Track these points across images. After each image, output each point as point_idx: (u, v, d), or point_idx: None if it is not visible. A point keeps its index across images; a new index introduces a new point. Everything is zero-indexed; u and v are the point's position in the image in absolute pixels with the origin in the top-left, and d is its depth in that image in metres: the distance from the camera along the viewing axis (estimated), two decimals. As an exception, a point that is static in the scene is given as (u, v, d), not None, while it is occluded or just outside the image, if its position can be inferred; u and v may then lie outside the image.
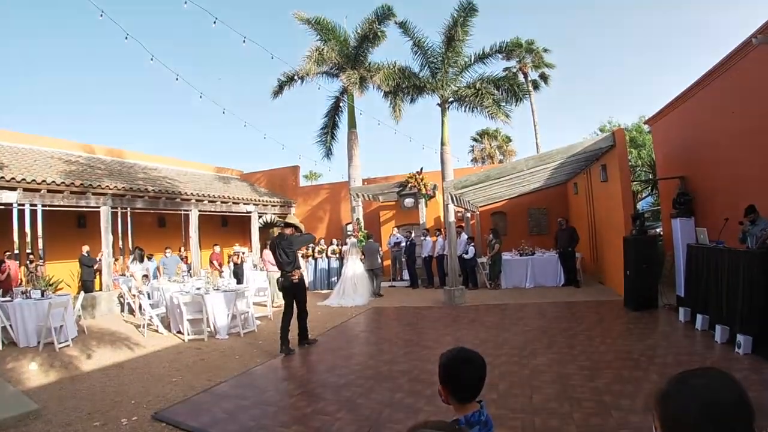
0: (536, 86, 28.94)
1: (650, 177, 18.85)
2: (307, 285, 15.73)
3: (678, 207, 9.95)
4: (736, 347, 6.03)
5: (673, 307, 9.08)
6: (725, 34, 63.31)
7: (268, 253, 13.21)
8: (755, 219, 7.12)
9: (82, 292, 10.98)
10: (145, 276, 12.73)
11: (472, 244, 14.54)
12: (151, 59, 12.37)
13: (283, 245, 8.02)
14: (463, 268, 14.18)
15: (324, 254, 16.43)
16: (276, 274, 12.92)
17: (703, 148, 10.11)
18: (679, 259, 9.14)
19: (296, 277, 8.03)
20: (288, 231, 8.22)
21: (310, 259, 16.43)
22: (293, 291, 8.06)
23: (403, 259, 16.28)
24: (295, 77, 18.94)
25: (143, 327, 9.66)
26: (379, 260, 14.87)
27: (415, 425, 1.41)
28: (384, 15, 17.37)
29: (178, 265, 13.85)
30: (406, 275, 16.50)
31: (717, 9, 64.46)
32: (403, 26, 17.43)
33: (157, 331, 9.67)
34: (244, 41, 13.33)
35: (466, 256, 14.14)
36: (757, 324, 5.87)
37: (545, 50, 28.14)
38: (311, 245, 15.48)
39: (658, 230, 15.13)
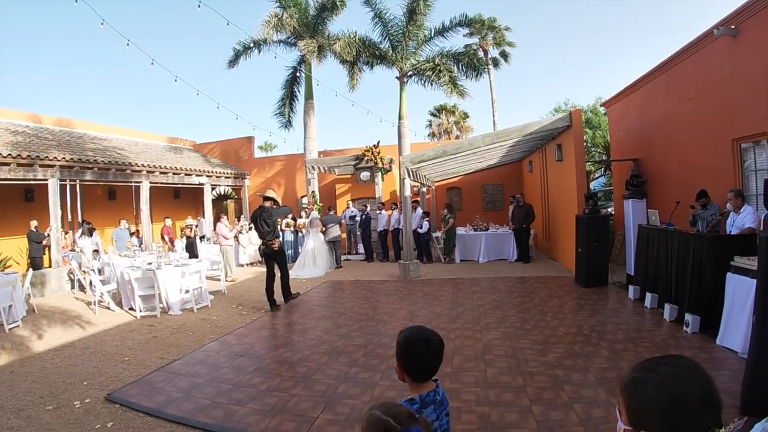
0: (496, 64, 29.02)
1: (604, 158, 19.30)
2: (261, 258, 15.82)
3: (631, 188, 10.21)
4: (685, 326, 6.32)
5: (622, 285, 9.48)
6: (683, 16, 64.71)
7: (221, 226, 13.08)
8: (706, 204, 7.43)
9: (31, 270, 10.61)
10: (96, 251, 12.41)
11: (427, 218, 14.69)
12: (102, 24, 11.95)
13: (264, 216, 9.06)
14: (418, 243, 14.36)
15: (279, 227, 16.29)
16: (228, 247, 12.97)
17: (658, 132, 10.41)
18: (630, 238, 9.51)
19: (276, 245, 9.18)
20: (267, 204, 9.26)
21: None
22: (274, 257, 9.23)
23: (359, 233, 16.36)
24: (252, 46, 18.56)
25: (94, 304, 9.43)
26: (339, 231, 14.95)
27: (371, 407, 1.46)
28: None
29: (128, 240, 13.55)
30: (361, 248, 16.60)
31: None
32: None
33: (108, 308, 9.45)
34: (199, 6, 12.98)
35: (420, 231, 14.30)
36: (704, 304, 6.18)
37: (507, 28, 28.21)
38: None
39: (609, 210, 15.57)
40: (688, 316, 6.30)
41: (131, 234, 14.82)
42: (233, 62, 19.16)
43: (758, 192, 7.38)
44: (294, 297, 9.68)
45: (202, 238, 15.98)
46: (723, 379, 4.56)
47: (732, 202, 6.63)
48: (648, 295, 7.79)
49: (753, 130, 7.22)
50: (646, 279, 8.11)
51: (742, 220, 6.45)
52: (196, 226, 15.09)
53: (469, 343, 6.35)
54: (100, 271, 10.96)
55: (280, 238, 9.81)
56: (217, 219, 14.44)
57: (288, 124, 20.19)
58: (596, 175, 21.56)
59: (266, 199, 9.39)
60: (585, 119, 18.00)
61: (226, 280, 11.66)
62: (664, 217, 8.22)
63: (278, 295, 9.37)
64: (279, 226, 15.97)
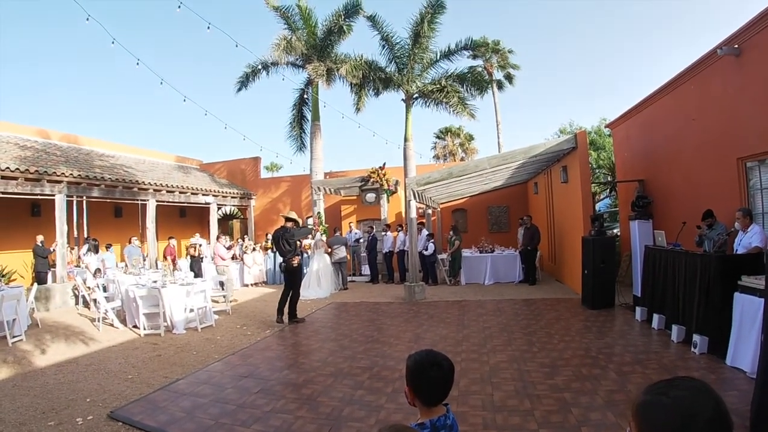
0: (501, 86, 29.09)
1: (609, 179, 19.27)
2: (265, 279, 15.82)
3: (636, 209, 10.17)
4: (692, 347, 6.27)
5: (629, 306, 9.39)
6: (689, 35, 65.14)
7: (218, 246, 13.09)
8: (713, 224, 7.40)
9: (36, 284, 10.66)
10: (98, 270, 12.43)
11: (432, 240, 14.67)
12: (113, 43, 12.16)
13: (286, 237, 9.62)
14: (423, 264, 14.32)
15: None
16: (225, 268, 13.01)
17: (663, 152, 10.39)
18: (637, 259, 9.45)
19: (295, 262, 9.67)
20: (289, 224, 9.84)
21: (269, 252, 16.32)
22: (292, 273, 9.70)
23: (363, 254, 16.32)
24: (260, 68, 18.76)
25: (98, 321, 9.42)
26: (345, 252, 14.94)
27: (380, 429, 1.45)
28: (352, 10, 17.34)
29: (135, 258, 13.57)
30: (366, 270, 16.56)
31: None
32: (372, 20, 17.41)
33: (112, 325, 9.45)
34: (208, 28, 13.17)
35: (426, 253, 14.27)
36: (712, 325, 6.11)
37: (510, 51, 28.35)
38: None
39: (615, 231, 15.51)
40: (695, 337, 6.25)
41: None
42: (244, 85, 19.30)
43: (764, 210, 7.38)
44: (298, 321, 9.70)
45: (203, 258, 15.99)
46: (732, 399, 4.50)
47: (740, 221, 6.59)
48: (655, 317, 7.73)
49: (758, 149, 7.20)
50: (653, 300, 8.07)
51: (749, 240, 6.41)
52: (200, 246, 15.10)
53: (476, 365, 6.28)
54: (104, 288, 10.96)
55: (300, 256, 10.21)
56: (217, 239, 14.41)
57: (302, 146, 20.23)
58: (602, 197, 21.50)
59: (288, 220, 9.88)
60: (589, 141, 18.01)
61: (230, 301, 11.58)
62: (671, 237, 8.18)
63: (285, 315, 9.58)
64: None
